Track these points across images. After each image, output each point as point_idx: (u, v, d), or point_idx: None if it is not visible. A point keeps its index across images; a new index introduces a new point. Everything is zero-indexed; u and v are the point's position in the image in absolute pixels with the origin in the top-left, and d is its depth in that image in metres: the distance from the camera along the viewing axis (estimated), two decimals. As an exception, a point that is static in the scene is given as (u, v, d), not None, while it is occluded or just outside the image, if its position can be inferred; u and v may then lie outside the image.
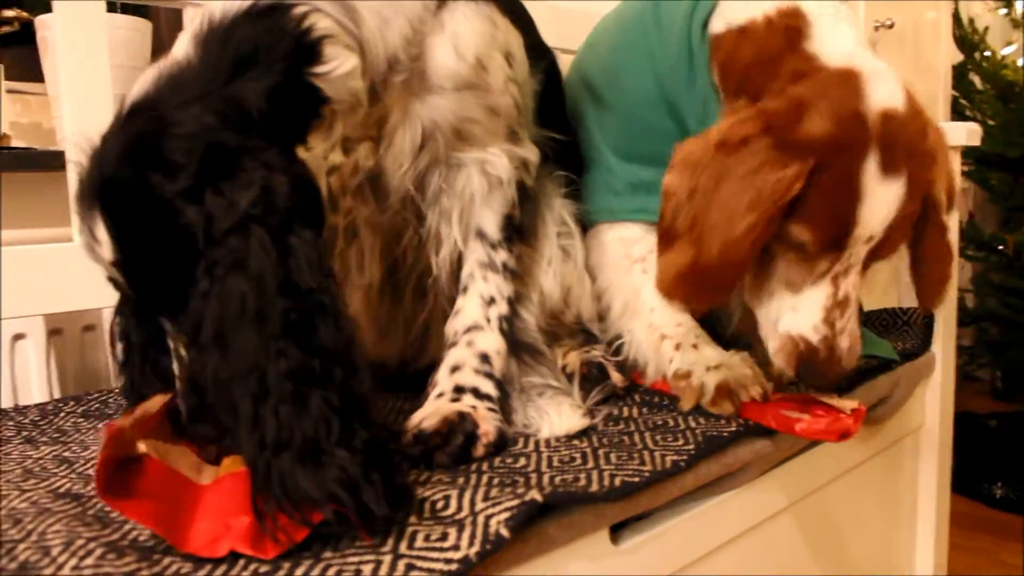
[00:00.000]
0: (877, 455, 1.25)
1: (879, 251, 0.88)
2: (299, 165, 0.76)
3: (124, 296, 0.79)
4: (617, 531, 0.81)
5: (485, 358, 0.94)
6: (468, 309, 0.97)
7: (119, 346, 0.84)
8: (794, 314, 0.90)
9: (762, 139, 0.85)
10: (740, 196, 0.85)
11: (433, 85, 0.89)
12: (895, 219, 0.85)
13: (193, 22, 0.78)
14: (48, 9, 1.55)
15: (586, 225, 1.14)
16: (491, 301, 0.97)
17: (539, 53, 1.08)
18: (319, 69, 0.78)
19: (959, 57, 2.63)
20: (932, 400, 1.41)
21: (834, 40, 0.91)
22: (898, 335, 1.41)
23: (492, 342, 0.95)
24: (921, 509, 1.43)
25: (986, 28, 2.62)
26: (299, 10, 0.77)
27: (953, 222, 1.41)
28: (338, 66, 0.79)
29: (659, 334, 1.04)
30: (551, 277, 1.05)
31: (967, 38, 2.60)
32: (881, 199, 0.84)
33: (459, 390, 0.91)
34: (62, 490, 0.78)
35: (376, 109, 0.87)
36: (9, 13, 1.96)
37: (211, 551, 0.62)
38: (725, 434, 0.90)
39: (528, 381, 0.99)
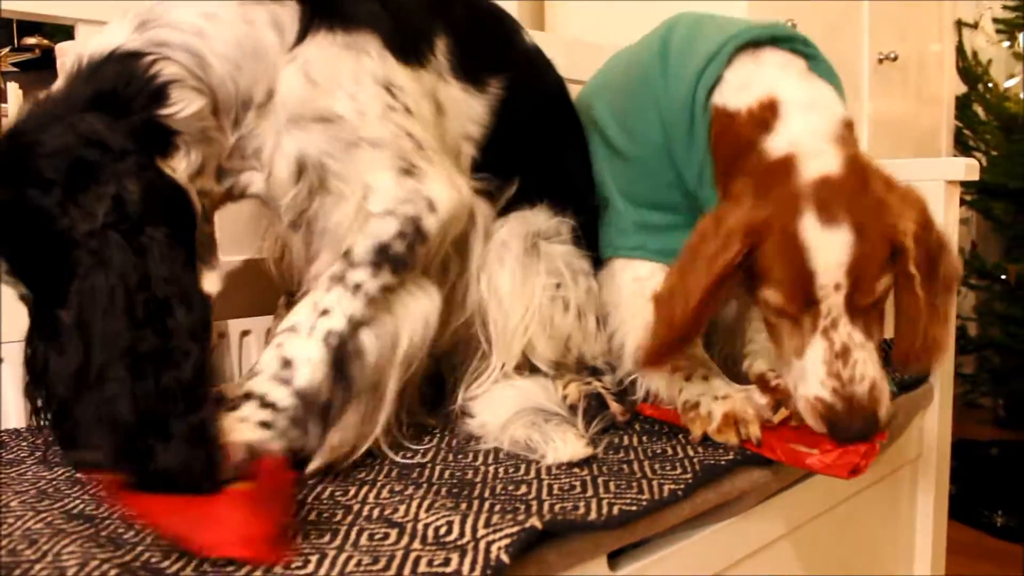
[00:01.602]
0: (874, 484, 1.26)
1: (856, 297, 0.91)
2: (154, 172, 0.85)
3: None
4: (615, 558, 0.82)
5: (288, 363, 0.88)
6: (295, 312, 0.92)
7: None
8: (803, 379, 0.93)
9: (712, 230, 0.95)
10: (692, 277, 0.94)
11: (292, 116, 0.93)
12: (854, 263, 0.89)
13: (67, 64, 0.88)
14: (68, 36, 1.59)
15: (600, 260, 1.19)
16: (324, 312, 0.90)
17: (494, 67, 1.08)
18: (165, 111, 0.87)
19: (962, 89, 2.66)
20: (930, 430, 1.42)
21: (792, 129, 0.99)
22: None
23: (304, 349, 0.88)
24: (919, 538, 1.44)
25: (989, 61, 2.65)
26: (149, 58, 0.87)
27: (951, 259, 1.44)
28: (184, 107, 0.88)
29: (670, 366, 1.06)
30: (527, 324, 1.06)
31: (971, 70, 2.63)
32: (828, 246, 0.89)
33: (247, 396, 0.87)
34: (76, 511, 0.80)
35: (250, 141, 0.94)
36: (31, 40, 2.00)
37: (225, 552, 0.67)
38: (723, 463, 0.92)
39: (536, 405, 1.01)
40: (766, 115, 1.00)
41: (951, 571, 1.53)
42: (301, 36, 0.93)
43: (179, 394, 0.77)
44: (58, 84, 0.87)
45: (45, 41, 2.00)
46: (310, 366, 0.87)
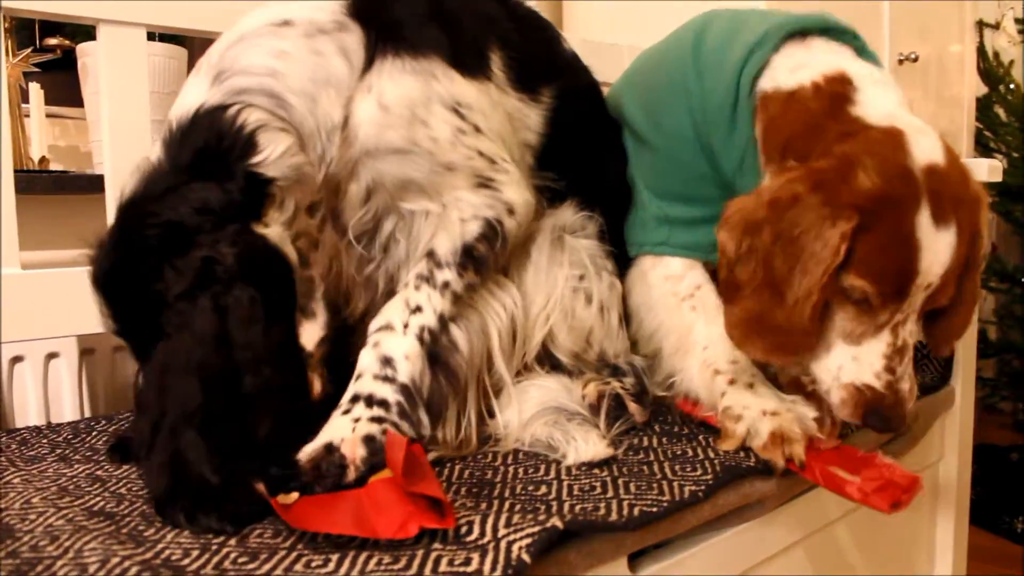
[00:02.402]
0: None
1: (936, 297, 0.90)
2: (252, 236, 0.88)
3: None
4: (635, 559, 0.82)
5: (388, 361, 0.92)
6: (387, 310, 0.96)
7: None
8: (856, 364, 0.91)
9: (812, 197, 0.88)
10: (796, 258, 0.88)
11: (367, 147, 0.95)
12: (951, 266, 0.88)
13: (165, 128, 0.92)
14: (89, 37, 1.60)
15: (629, 259, 1.18)
16: (417, 309, 0.94)
17: (545, 77, 1.09)
18: (256, 158, 0.89)
19: (984, 90, 2.64)
20: (951, 434, 1.41)
21: (877, 102, 0.94)
22: (917, 369, 1.41)
23: (401, 346, 0.92)
24: (939, 543, 1.43)
25: (1011, 62, 2.63)
26: (232, 110, 0.89)
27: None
28: (273, 151, 0.90)
29: (712, 369, 1.04)
30: (544, 314, 1.06)
31: (992, 71, 2.61)
32: (937, 248, 0.87)
33: (355, 399, 0.90)
34: (96, 508, 0.80)
35: (333, 175, 0.96)
36: (52, 41, 2.02)
37: (404, 533, 0.68)
38: (744, 465, 0.92)
39: (558, 404, 1.01)
40: (838, 88, 0.95)
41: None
42: (369, 62, 0.94)
43: (252, 454, 0.80)
44: (157, 151, 0.90)
45: (67, 42, 2.02)
46: (409, 362, 0.92)
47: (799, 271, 0.88)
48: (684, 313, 1.10)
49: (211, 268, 0.83)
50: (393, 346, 0.93)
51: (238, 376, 0.81)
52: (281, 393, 0.85)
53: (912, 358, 0.91)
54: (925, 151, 0.88)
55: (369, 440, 0.86)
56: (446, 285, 0.96)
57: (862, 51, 1.05)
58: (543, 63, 1.12)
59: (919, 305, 0.90)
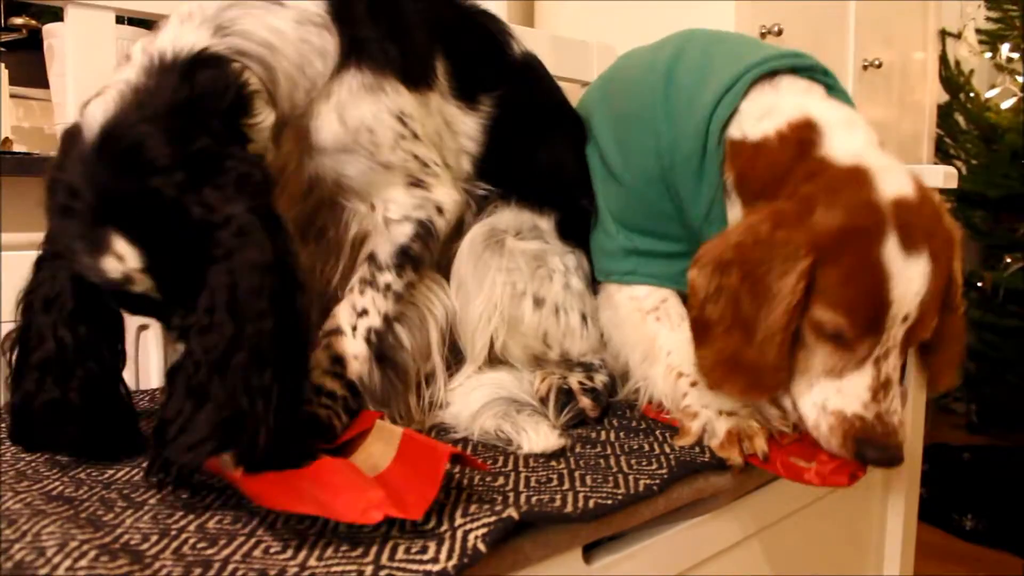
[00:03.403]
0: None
1: (915, 330, 0.89)
2: (264, 163, 0.87)
3: (71, 307, 0.87)
4: (590, 550, 0.84)
5: (337, 360, 0.98)
6: (336, 315, 1.01)
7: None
8: (841, 396, 0.90)
9: (773, 236, 0.89)
10: (761, 297, 0.89)
11: (317, 146, 0.98)
12: (927, 296, 0.87)
13: (136, 58, 0.87)
14: (55, 18, 1.58)
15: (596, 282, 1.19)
16: (363, 312, 1.01)
17: (485, 86, 1.12)
18: (249, 121, 0.89)
19: (945, 97, 2.69)
20: (903, 432, 1.43)
21: (844, 144, 0.94)
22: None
23: (350, 347, 0.99)
24: (889, 540, 1.46)
25: (971, 71, 2.69)
26: (237, 66, 0.89)
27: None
28: (263, 119, 0.91)
29: (676, 372, 1.05)
30: (490, 316, 1.09)
31: (953, 80, 2.66)
32: (909, 276, 0.86)
33: None
34: (55, 492, 0.80)
35: (277, 159, 0.97)
36: (18, 21, 1.99)
37: (366, 519, 0.66)
38: (699, 460, 0.94)
39: (509, 396, 1.03)
40: (804, 134, 0.95)
41: (920, 573, 1.55)
42: (337, 70, 0.97)
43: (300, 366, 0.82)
44: (140, 78, 0.84)
45: (32, 22, 1.99)
46: (357, 362, 0.98)
47: (764, 310, 0.89)
48: (649, 324, 1.10)
49: (254, 185, 0.81)
50: (343, 347, 0.99)
51: (295, 293, 0.80)
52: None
53: (898, 396, 0.90)
54: (892, 185, 0.89)
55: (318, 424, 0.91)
56: (388, 287, 1.02)
57: (832, 88, 1.05)
58: (485, 72, 1.14)
59: (900, 339, 0.88)
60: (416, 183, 1.03)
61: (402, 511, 0.67)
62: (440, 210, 1.05)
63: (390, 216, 1.02)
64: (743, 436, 0.95)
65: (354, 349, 0.99)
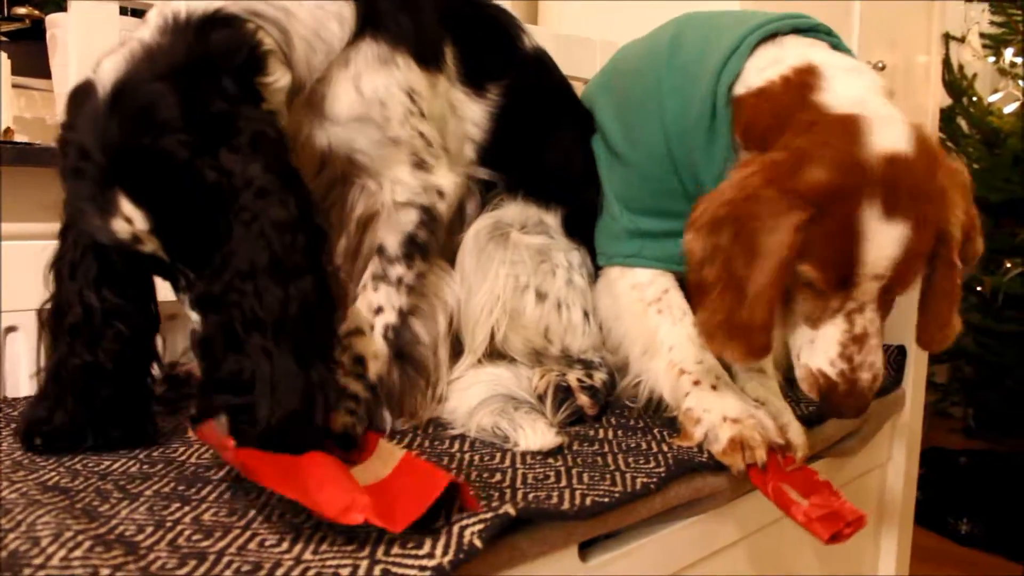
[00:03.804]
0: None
1: (892, 288, 0.89)
2: (277, 120, 0.87)
3: (96, 271, 0.88)
4: (586, 548, 0.83)
5: (359, 360, 0.99)
6: (353, 315, 1.02)
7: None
8: (811, 347, 0.91)
9: (765, 191, 0.87)
10: (753, 254, 0.88)
11: (331, 114, 0.98)
12: (902, 258, 0.86)
13: (152, 18, 0.87)
14: (58, 8, 1.58)
15: (598, 268, 1.18)
16: (378, 310, 1.02)
17: (493, 75, 1.12)
18: (264, 79, 0.89)
19: (947, 101, 2.68)
20: (900, 436, 1.44)
21: (845, 89, 0.92)
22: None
23: (370, 347, 1.00)
24: (884, 541, 1.46)
25: (974, 75, 2.68)
26: (251, 25, 0.88)
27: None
28: (278, 79, 0.91)
29: (678, 369, 1.04)
30: (492, 306, 1.09)
31: (956, 83, 2.65)
32: (884, 241, 0.85)
33: None
34: (51, 483, 0.80)
35: (291, 125, 0.96)
36: (21, 10, 1.98)
37: (345, 518, 0.65)
38: (696, 460, 0.93)
39: (507, 392, 1.03)
40: (806, 78, 0.94)
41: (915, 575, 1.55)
42: (353, 38, 0.97)
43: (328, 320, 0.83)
44: (154, 37, 0.84)
45: (35, 11, 1.98)
46: (377, 362, 0.99)
47: (754, 267, 0.88)
48: (650, 316, 1.10)
49: (269, 142, 0.81)
50: (363, 347, 0.99)
51: (319, 252, 0.81)
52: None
53: (878, 348, 0.90)
54: (887, 139, 0.86)
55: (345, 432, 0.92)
56: (400, 280, 1.03)
57: (837, 47, 1.04)
58: (494, 60, 1.13)
59: (874, 295, 0.88)
60: (420, 163, 1.03)
61: (385, 521, 0.65)
62: (441, 194, 1.05)
63: (397, 199, 1.02)
64: (746, 445, 0.94)
65: (374, 348, 1.00)
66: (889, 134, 0.86)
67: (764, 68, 0.99)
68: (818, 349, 0.90)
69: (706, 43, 1.05)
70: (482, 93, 1.11)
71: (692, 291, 0.95)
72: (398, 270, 1.02)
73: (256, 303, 0.77)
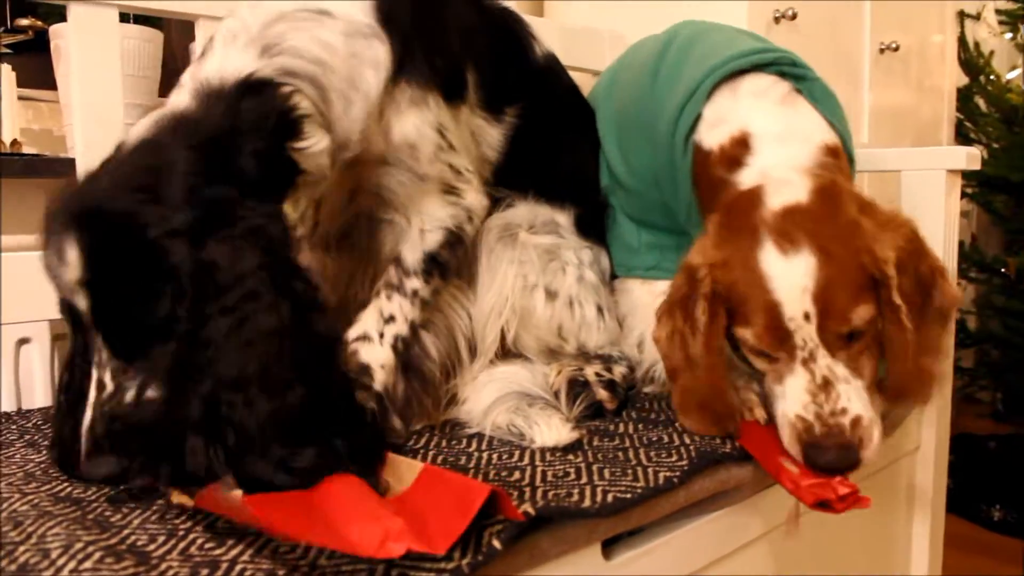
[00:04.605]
0: (873, 475, 1.26)
1: (829, 325, 0.87)
2: (284, 216, 0.84)
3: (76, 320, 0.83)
4: (609, 546, 0.81)
5: (364, 369, 0.95)
6: (363, 321, 0.99)
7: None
8: (784, 400, 0.91)
9: (687, 270, 0.95)
10: (692, 330, 0.94)
11: (360, 159, 0.96)
12: (820, 288, 0.86)
13: (186, 81, 0.86)
14: (62, 18, 1.58)
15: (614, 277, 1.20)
16: (390, 319, 0.99)
17: (509, 98, 1.12)
18: (299, 145, 0.86)
19: (964, 80, 2.65)
20: (929, 421, 1.41)
21: (764, 161, 0.98)
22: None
23: (378, 355, 0.97)
24: (916, 530, 1.43)
25: (991, 52, 2.64)
26: (286, 89, 0.86)
27: (951, 248, 1.42)
28: (315, 143, 0.88)
29: None
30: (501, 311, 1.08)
31: (972, 62, 2.61)
32: (787, 272, 0.87)
33: None
34: (63, 494, 0.79)
35: (327, 181, 0.94)
36: (24, 22, 1.99)
37: (386, 552, 0.60)
38: (719, 452, 0.91)
39: (521, 390, 1.01)
40: (737, 151, 0.99)
41: (948, 564, 1.52)
42: (389, 82, 0.94)
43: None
44: (187, 101, 0.84)
45: (39, 23, 1.99)
46: (384, 372, 0.96)
47: (693, 341, 0.93)
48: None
49: (272, 246, 0.76)
50: (370, 355, 0.96)
51: (324, 367, 0.76)
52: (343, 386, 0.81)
53: (858, 395, 0.88)
54: (781, 197, 0.91)
55: None
56: (415, 293, 1.01)
57: (803, 79, 1.06)
58: (510, 82, 1.13)
59: (816, 338, 0.87)
60: (450, 190, 1.02)
61: (425, 543, 0.61)
62: (471, 216, 1.04)
63: (425, 228, 1.02)
64: (739, 405, 0.97)
65: (381, 357, 0.97)
66: (784, 192, 0.91)
67: (713, 125, 1.03)
68: (789, 399, 0.90)
69: (676, 75, 1.09)
70: (500, 117, 1.11)
71: (668, 376, 1.00)
72: (414, 283, 1.01)
73: (244, 414, 0.71)
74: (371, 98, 0.93)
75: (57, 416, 0.89)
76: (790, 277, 0.87)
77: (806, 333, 0.87)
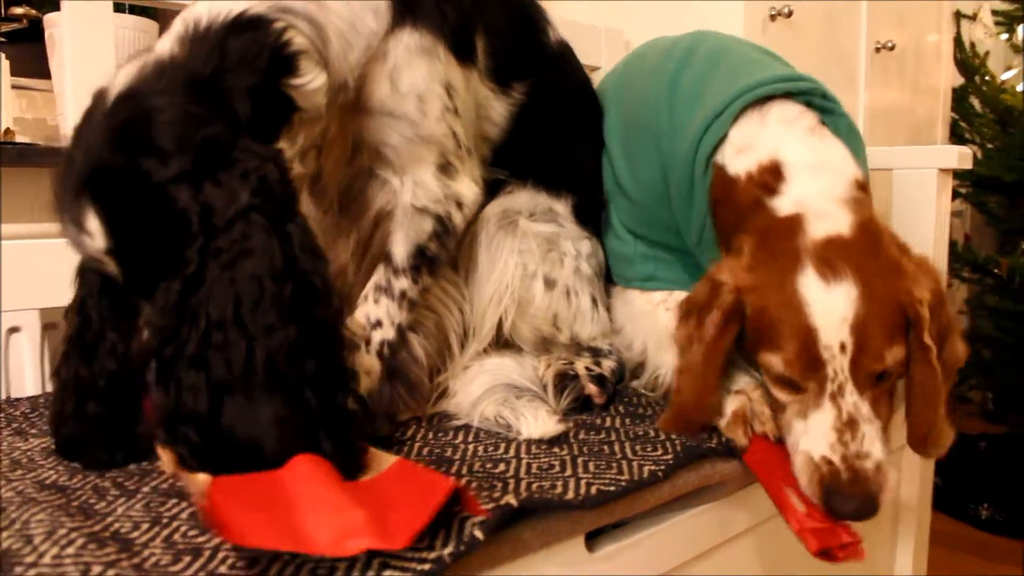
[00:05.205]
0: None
1: (864, 361, 0.85)
2: (282, 158, 0.80)
3: (99, 281, 0.83)
4: (593, 538, 0.82)
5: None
6: (348, 327, 0.94)
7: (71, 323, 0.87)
8: (808, 437, 0.87)
9: (710, 282, 0.93)
10: (698, 339, 0.93)
11: (364, 105, 0.94)
12: (859, 320, 0.84)
13: (175, 26, 0.83)
14: (56, 7, 1.58)
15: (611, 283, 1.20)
16: (376, 324, 0.98)
17: (519, 72, 1.09)
18: (294, 81, 0.84)
19: (959, 80, 2.65)
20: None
21: (799, 190, 0.94)
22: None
23: (363, 362, 0.95)
24: (902, 529, 1.44)
25: (987, 52, 2.64)
26: (278, 25, 0.83)
27: (942, 248, 1.42)
28: (311, 80, 0.86)
29: None
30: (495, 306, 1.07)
31: (968, 62, 2.62)
32: (829, 301, 0.84)
33: None
34: (48, 481, 0.79)
35: (323, 121, 0.92)
36: (18, 10, 1.98)
37: (342, 551, 0.59)
38: (705, 446, 0.92)
39: (509, 382, 1.01)
40: (768, 179, 0.96)
41: (934, 562, 1.53)
42: (391, 27, 0.93)
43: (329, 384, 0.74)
44: (171, 47, 0.80)
45: (33, 11, 1.98)
46: (368, 379, 0.95)
47: (697, 350, 0.93)
48: (660, 314, 1.11)
49: (268, 188, 0.74)
50: (354, 362, 0.92)
51: (310, 305, 0.73)
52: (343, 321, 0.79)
53: (879, 437, 0.85)
54: (822, 228, 0.89)
55: None
56: (403, 295, 0.99)
57: (831, 112, 1.04)
58: (521, 56, 1.11)
59: (849, 371, 0.85)
60: (445, 166, 1.00)
61: (385, 538, 0.59)
62: (460, 204, 1.02)
63: (415, 203, 0.99)
64: (755, 416, 0.94)
65: (367, 364, 0.96)
66: (826, 223, 0.89)
67: (740, 151, 0.99)
68: (813, 435, 0.86)
69: (699, 90, 1.06)
70: (507, 91, 1.08)
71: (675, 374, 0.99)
72: (402, 283, 0.99)
73: (231, 354, 0.70)
74: (372, 43, 0.91)
75: (62, 394, 0.87)
76: (830, 305, 0.84)
77: (838, 365, 0.85)
